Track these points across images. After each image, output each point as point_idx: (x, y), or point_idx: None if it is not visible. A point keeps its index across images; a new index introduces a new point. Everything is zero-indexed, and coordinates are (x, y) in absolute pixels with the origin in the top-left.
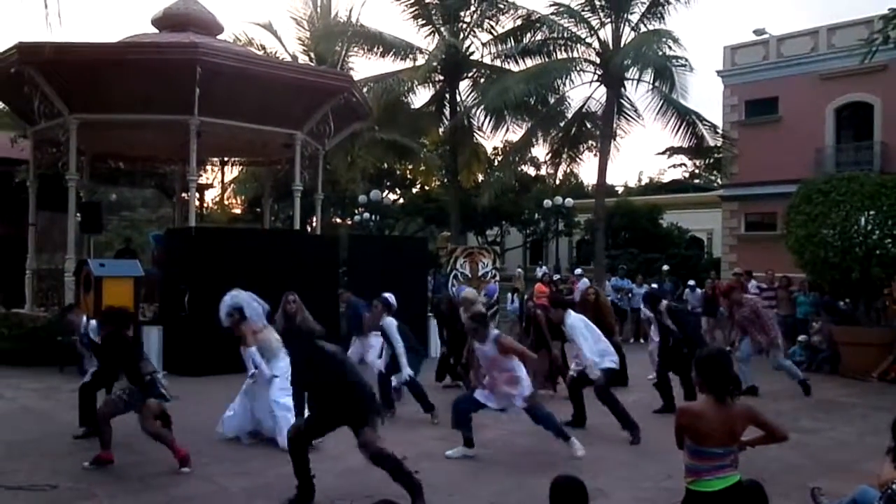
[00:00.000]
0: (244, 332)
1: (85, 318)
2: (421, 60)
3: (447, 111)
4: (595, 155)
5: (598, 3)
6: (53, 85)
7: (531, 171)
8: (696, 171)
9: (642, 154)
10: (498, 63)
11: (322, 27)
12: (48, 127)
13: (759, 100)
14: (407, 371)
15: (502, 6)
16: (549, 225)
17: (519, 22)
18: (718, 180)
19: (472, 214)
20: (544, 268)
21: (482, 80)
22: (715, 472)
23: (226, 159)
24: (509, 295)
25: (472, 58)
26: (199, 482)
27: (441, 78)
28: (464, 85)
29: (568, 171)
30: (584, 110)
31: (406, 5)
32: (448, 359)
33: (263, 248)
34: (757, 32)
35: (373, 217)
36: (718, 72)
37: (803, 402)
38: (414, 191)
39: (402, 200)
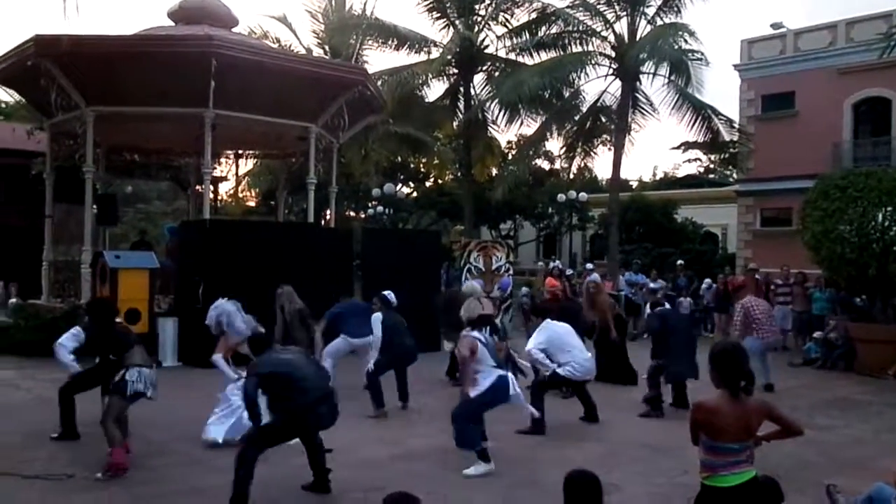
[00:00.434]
0: (221, 341)
1: None
2: (435, 54)
3: (461, 105)
4: (609, 149)
5: None
6: (70, 77)
7: (545, 165)
8: (712, 165)
9: (657, 148)
10: (513, 56)
11: (337, 20)
12: (65, 119)
13: (775, 94)
14: (370, 363)
15: None
16: (563, 219)
17: (534, 15)
18: (734, 175)
19: (485, 208)
20: (557, 261)
21: (497, 73)
22: (730, 468)
23: (240, 152)
24: (524, 288)
25: (486, 51)
26: (213, 473)
27: (455, 71)
28: (478, 78)
29: (582, 165)
30: (598, 104)
31: None
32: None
33: (277, 240)
34: (774, 26)
35: (386, 210)
36: (735, 66)
37: (819, 398)
38: (427, 184)
39: (415, 194)
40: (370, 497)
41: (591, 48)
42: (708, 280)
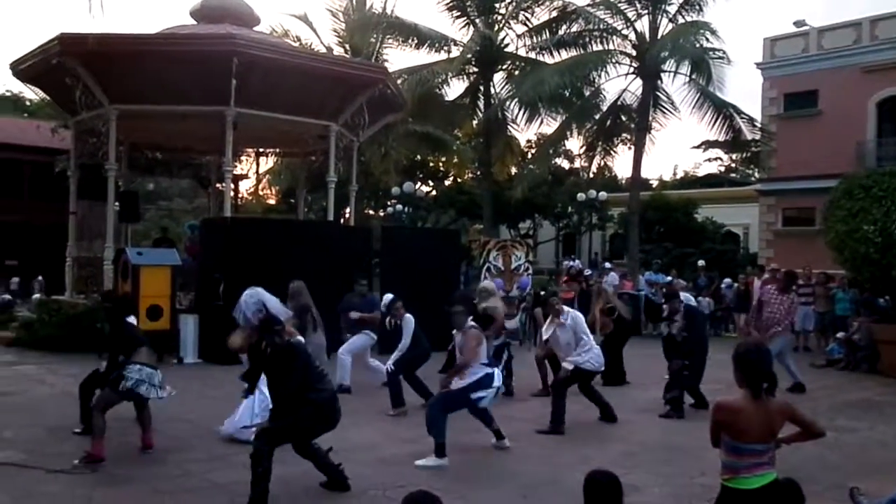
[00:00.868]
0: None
1: None
2: (455, 52)
3: (481, 103)
4: (630, 148)
5: None
6: (94, 76)
7: (565, 164)
8: (733, 164)
9: (677, 147)
10: (533, 55)
11: (357, 19)
12: (89, 117)
13: (798, 93)
14: (389, 363)
15: None
16: (583, 218)
17: (554, 14)
18: (755, 174)
19: (504, 207)
20: (577, 261)
21: (517, 72)
22: (753, 470)
23: (261, 150)
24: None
25: (506, 50)
26: (235, 469)
27: (475, 70)
28: (498, 77)
29: (602, 164)
30: (619, 103)
31: None
32: None
33: (297, 238)
34: (797, 24)
35: (405, 209)
36: (758, 64)
37: (842, 400)
38: (447, 183)
39: (434, 193)
40: (389, 495)
41: (611, 47)
42: (728, 280)
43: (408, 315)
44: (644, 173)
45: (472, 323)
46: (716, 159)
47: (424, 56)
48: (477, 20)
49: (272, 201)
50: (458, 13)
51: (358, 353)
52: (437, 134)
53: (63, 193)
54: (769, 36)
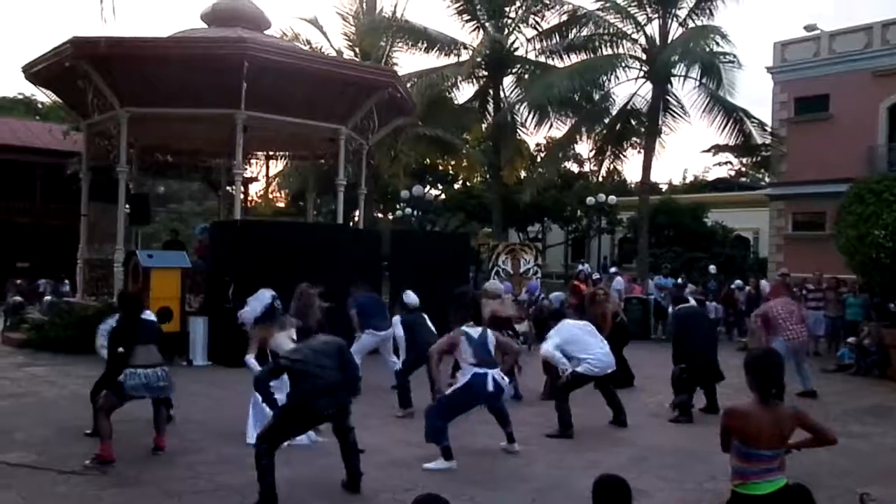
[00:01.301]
0: (252, 342)
1: None
2: (465, 56)
3: (490, 107)
4: (639, 152)
5: None
6: (106, 79)
7: (574, 168)
8: (743, 169)
9: (687, 152)
10: (542, 59)
11: (367, 22)
12: (100, 120)
13: (809, 97)
14: (398, 363)
15: (548, 2)
16: (592, 222)
17: (564, 17)
18: (765, 179)
19: (513, 211)
20: (585, 265)
21: (526, 75)
22: (763, 475)
23: (271, 153)
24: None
25: (516, 53)
26: (243, 471)
27: (485, 74)
28: (508, 81)
29: (611, 167)
30: (629, 107)
31: (451, 0)
32: None
33: (307, 241)
34: (808, 28)
35: (415, 212)
36: (768, 68)
37: (853, 405)
38: (456, 186)
39: (443, 196)
40: (399, 498)
41: (621, 51)
42: (739, 281)
43: (395, 316)
44: (654, 177)
45: (463, 328)
46: (726, 163)
47: (434, 60)
48: (487, 24)
49: (282, 204)
50: (468, 17)
51: (366, 352)
52: (446, 137)
53: (74, 196)
54: (780, 40)
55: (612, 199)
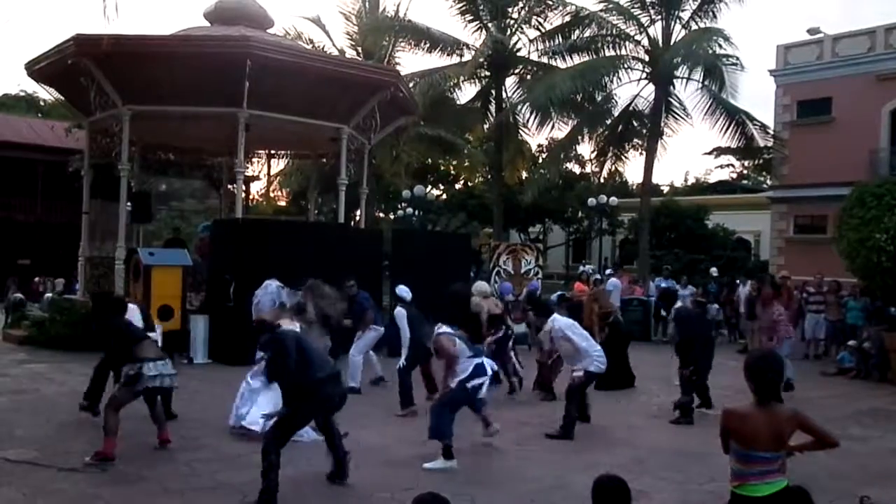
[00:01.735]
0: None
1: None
2: (467, 56)
3: (492, 107)
4: (641, 153)
5: (648, 0)
6: (108, 76)
7: (576, 169)
8: (745, 171)
9: (689, 154)
10: (545, 60)
11: (370, 22)
12: (102, 118)
13: (811, 100)
14: (401, 360)
15: (551, 2)
16: (593, 223)
17: (567, 18)
18: (767, 181)
19: (514, 211)
20: (587, 267)
21: (528, 76)
22: (762, 477)
23: (272, 152)
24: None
25: (518, 54)
26: (246, 470)
27: (487, 74)
28: (510, 81)
29: (613, 169)
30: (631, 108)
31: (454, 0)
32: None
33: (308, 240)
34: (811, 32)
35: (416, 212)
36: (771, 71)
37: (853, 409)
38: (457, 186)
39: (445, 196)
40: (398, 497)
41: (624, 52)
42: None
43: (399, 309)
44: (655, 179)
45: (442, 329)
46: (728, 166)
47: (436, 60)
48: (489, 24)
49: (283, 203)
50: (471, 17)
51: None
52: (448, 137)
53: (76, 193)
54: (783, 43)
55: (614, 200)
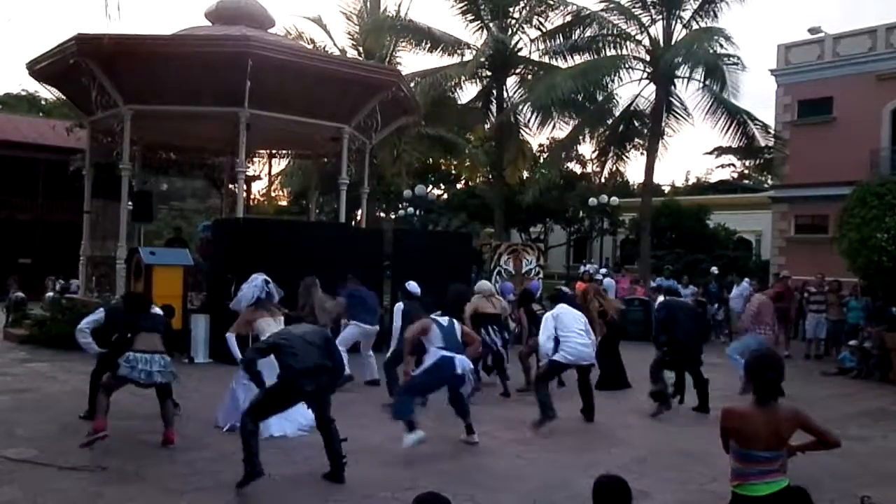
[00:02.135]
0: (240, 318)
1: None
2: (469, 56)
3: (493, 107)
4: (642, 153)
5: (649, 0)
6: (110, 76)
7: (577, 169)
8: (746, 171)
9: (690, 153)
10: (546, 59)
11: (371, 22)
12: (104, 117)
13: (812, 100)
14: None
15: (552, 2)
16: (594, 223)
17: (568, 18)
18: (768, 181)
19: (515, 211)
20: (589, 266)
21: (530, 76)
22: (762, 477)
23: (273, 152)
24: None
25: (519, 54)
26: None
27: (488, 74)
28: (511, 81)
29: (614, 169)
30: (632, 108)
31: (455, 0)
32: None
33: (309, 240)
34: (812, 31)
35: (417, 212)
36: (772, 71)
37: (853, 409)
38: (458, 186)
39: (446, 196)
40: (399, 497)
41: (625, 52)
42: (746, 283)
43: (398, 304)
44: (656, 179)
45: (433, 315)
46: (729, 165)
47: (437, 59)
48: (490, 24)
49: (284, 203)
50: (472, 17)
51: (350, 344)
52: (449, 137)
53: (77, 192)
54: (783, 42)
55: (615, 200)
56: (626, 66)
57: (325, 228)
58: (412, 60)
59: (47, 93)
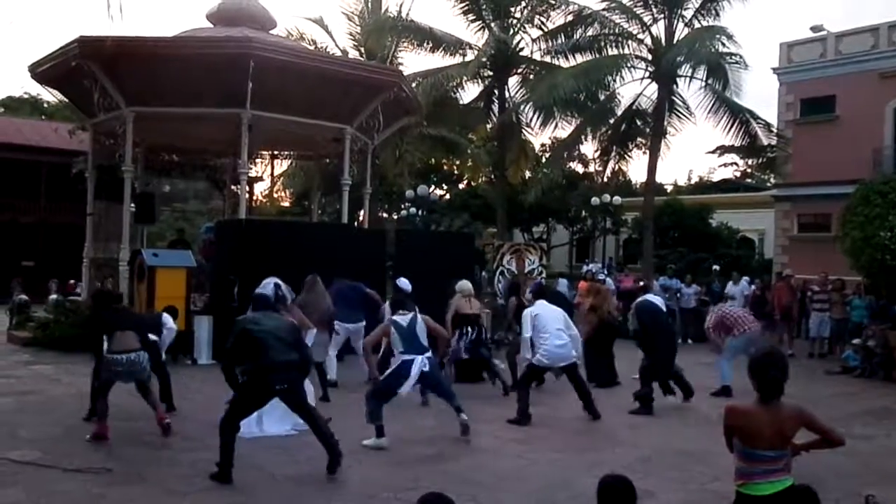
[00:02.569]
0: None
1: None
2: (470, 56)
3: (495, 107)
4: (644, 153)
5: None
6: (112, 78)
7: (579, 168)
8: (748, 170)
9: (693, 152)
10: (548, 59)
11: (372, 22)
12: (106, 119)
13: (815, 98)
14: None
15: (553, 2)
16: (597, 223)
17: (570, 18)
18: (771, 180)
19: (518, 211)
20: (591, 265)
21: (531, 76)
22: (766, 476)
23: (275, 153)
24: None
25: (521, 54)
26: (248, 470)
27: (490, 74)
28: (513, 81)
29: (616, 168)
30: (634, 107)
31: (456, 0)
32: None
33: (312, 240)
34: (814, 29)
35: (419, 212)
36: (774, 69)
37: (857, 407)
38: (460, 186)
39: (448, 196)
40: (401, 497)
41: (627, 51)
42: (745, 281)
43: (386, 301)
44: (659, 178)
45: (395, 317)
46: (731, 164)
47: (439, 59)
48: (492, 24)
49: (286, 204)
50: (474, 17)
51: (340, 343)
52: (451, 137)
53: (80, 195)
54: (786, 41)
55: (617, 199)
56: (628, 65)
57: (328, 229)
58: (414, 61)
59: (50, 95)
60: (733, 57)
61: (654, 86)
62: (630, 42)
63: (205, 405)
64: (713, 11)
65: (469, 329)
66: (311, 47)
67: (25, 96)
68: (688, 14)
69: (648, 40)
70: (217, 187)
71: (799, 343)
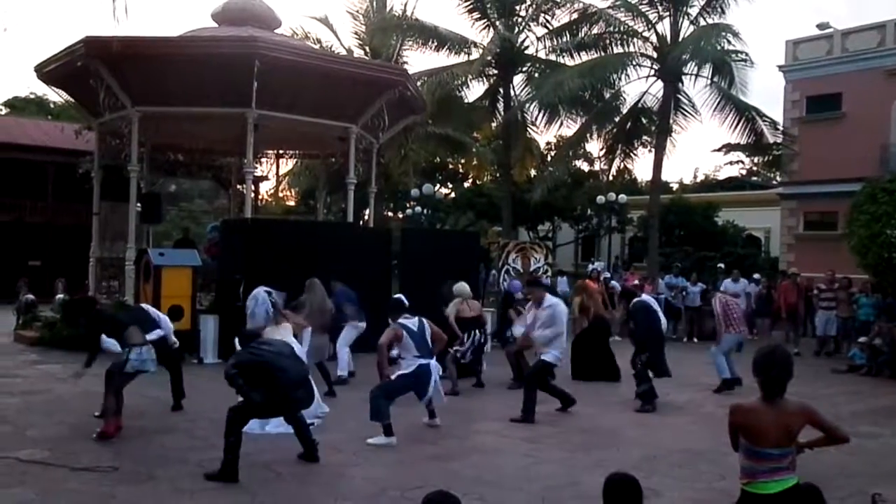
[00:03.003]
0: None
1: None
2: (475, 55)
3: (501, 105)
4: (650, 151)
5: None
6: (118, 78)
7: (584, 167)
8: (754, 168)
9: (698, 150)
10: (553, 57)
11: (377, 21)
12: (112, 119)
13: (821, 95)
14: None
15: (558, 0)
16: (602, 221)
17: (575, 16)
18: (777, 178)
19: (523, 209)
20: (596, 264)
21: (537, 74)
22: (771, 475)
23: (281, 152)
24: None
25: (526, 52)
26: (255, 469)
27: (495, 72)
28: (518, 79)
29: (622, 166)
30: (639, 105)
31: None
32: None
33: (317, 239)
34: (820, 27)
35: (424, 211)
36: (780, 67)
37: (863, 406)
38: (466, 185)
39: (453, 195)
40: (407, 496)
41: (632, 49)
42: (744, 281)
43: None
44: (664, 176)
45: (402, 320)
46: (737, 162)
47: (444, 58)
48: (497, 22)
49: (292, 203)
50: (479, 15)
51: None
52: (456, 136)
53: (86, 194)
54: (792, 38)
55: (623, 197)
56: (634, 63)
57: (333, 228)
58: (419, 59)
59: (56, 96)
60: (739, 54)
61: (660, 84)
62: (635, 40)
63: (212, 405)
64: (719, 9)
65: (477, 332)
66: (316, 46)
67: (31, 96)
68: (693, 12)
69: (654, 38)
70: (223, 186)
71: (805, 341)
